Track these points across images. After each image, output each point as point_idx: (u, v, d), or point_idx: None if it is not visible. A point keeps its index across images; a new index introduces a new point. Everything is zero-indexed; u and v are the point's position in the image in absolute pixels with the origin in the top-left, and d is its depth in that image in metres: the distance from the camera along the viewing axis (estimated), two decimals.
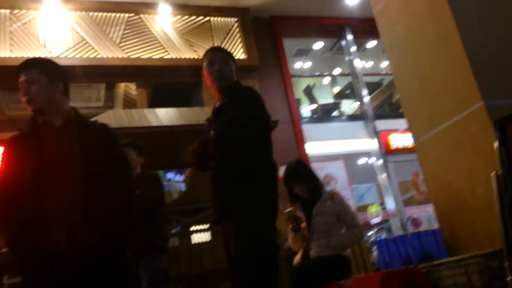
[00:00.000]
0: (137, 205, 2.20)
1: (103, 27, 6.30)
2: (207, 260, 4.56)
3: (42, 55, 5.83)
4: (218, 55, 2.58)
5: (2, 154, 2.10)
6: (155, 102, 7.17)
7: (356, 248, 4.44)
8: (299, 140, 7.14)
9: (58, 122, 2.12)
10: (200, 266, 4.46)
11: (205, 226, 7.47)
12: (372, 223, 7.90)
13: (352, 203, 6.93)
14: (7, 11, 5.93)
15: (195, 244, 6.78)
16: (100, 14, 6.34)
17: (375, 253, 5.13)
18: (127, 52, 6.28)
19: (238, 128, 2.31)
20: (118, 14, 6.42)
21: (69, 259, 1.89)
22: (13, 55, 5.75)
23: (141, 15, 6.55)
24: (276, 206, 2.41)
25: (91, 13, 6.29)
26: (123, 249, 2.06)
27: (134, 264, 2.13)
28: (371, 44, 9.69)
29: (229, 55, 2.65)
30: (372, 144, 8.02)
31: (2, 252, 4.06)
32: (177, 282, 4.64)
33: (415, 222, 7.62)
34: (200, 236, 7.84)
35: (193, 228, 7.82)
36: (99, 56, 6.13)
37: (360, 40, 9.13)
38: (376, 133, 8.03)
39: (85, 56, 6.07)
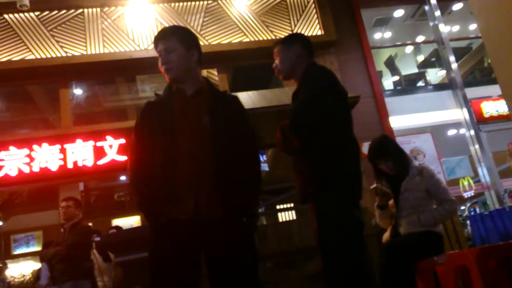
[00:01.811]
0: (259, 182, 2.17)
1: (184, 17, 6.55)
2: (295, 238, 4.65)
3: (132, 49, 6.23)
4: (275, 49, 2.64)
5: (137, 117, 2.17)
6: (236, 85, 7.34)
7: (449, 224, 4.29)
8: (383, 114, 6.95)
9: (190, 91, 2.13)
10: (288, 244, 4.56)
11: (290, 205, 7.59)
12: (465, 197, 7.53)
13: (442, 177, 6.65)
14: (98, 9, 6.39)
15: (283, 222, 6.93)
16: (181, 4, 6.59)
17: (469, 228, 4.92)
18: (207, 39, 6.49)
19: (306, 112, 2.34)
20: (197, 3, 6.62)
21: (196, 228, 1.96)
22: (106, 51, 6.20)
23: (219, 1, 6.71)
24: (357, 183, 2.40)
25: (172, 4, 6.56)
26: (247, 223, 2.07)
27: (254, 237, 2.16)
28: (457, 6, 9.05)
29: (284, 42, 2.65)
30: (462, 114, 7.59)
31: (111, 233, 4.47)
32: (266, 260, 4.80)
33: None
34: (286, 214, 7.99)
35: (278, 207, 7.98)
36: None
37: (444, 3, 8.57)
38: (466, 102, 7.57)
39: None
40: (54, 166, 5.78)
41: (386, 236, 3.46)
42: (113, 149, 5.94)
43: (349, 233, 2.30)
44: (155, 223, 2.04)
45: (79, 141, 5.90)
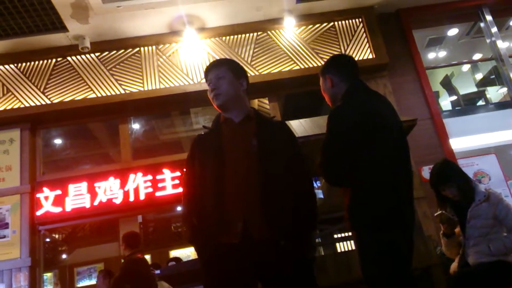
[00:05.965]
0: (316, 204, 2.12)
1: (235, 49, 6.69)
2: (355, 268, 4.48)
3: (186, 83, 6.42)
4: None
5: (189, 151, 2.22)
6: (287, 113, 7.35)
7: None
8: (442, 136, 6.68)
9: (239, 118, 2.18)
10: (348, 274, 4.39)
11: (349, 234, 7.36)
12: None
13: (511, 202, 6.25)
14: (154, 47, 6.67)
15: (341, 252, 6.71)
16: (231, 37, 6.74)
17: None
18: (258, 69, 6.58)
19: (328, 157, 2.27)
20: (247, 35, 6.76)
21: (247, 252, 1.92)
22: (162, 86, 6.42)
23: (268, 32, 6.81)
24: (397, 218, 2.21)
25: (223, 38, 6.73)
26: (302, 247, 2.02)
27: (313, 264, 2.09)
28: None
29: (320, 73, 2.61)
30: None
31: (170, 266, 4.51)
32: None
33: None
34: (345, 244, 7.74)
35: (336, 236, 7.76)
36: None
37: (500, 19, 8.24)
38: None
39: None
40: (117, 200, 6.02)
41: (454, 266, 3.27)
42: (169, 181, 6.14)
43: (385, 270, 2.15)
44: (206, 252, 2.02)
45: (139, 174, 6.17)
